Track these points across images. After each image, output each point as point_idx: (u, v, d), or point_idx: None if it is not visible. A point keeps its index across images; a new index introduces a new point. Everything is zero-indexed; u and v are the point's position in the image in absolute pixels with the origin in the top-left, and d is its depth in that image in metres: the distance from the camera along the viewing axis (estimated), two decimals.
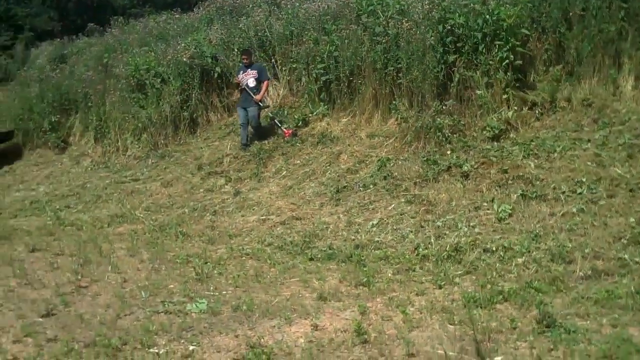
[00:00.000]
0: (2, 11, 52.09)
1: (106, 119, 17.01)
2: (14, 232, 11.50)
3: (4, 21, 52.05)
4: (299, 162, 12.32)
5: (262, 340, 6.06)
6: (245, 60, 14.07)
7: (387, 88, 12.54)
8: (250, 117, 13.57)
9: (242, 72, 13.98)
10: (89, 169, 16.50)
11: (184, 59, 15.57)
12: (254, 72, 13.84)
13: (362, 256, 8.65)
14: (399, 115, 11.84)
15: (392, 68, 12.37)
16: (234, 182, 12.47)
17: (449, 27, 11.57)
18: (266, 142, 13.42)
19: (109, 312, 7.07)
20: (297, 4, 16.16)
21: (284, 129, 13.47)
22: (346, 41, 13.31)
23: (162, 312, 7.05)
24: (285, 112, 14.17)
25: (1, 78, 29.18)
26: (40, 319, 6.82)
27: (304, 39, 14.46)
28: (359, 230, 9.50)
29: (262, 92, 13.72)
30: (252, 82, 13.73)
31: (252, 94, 13.63)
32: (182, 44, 16.25)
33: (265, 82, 13.87)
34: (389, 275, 7.95)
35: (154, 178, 14.03)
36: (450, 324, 6.19)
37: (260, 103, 13.76)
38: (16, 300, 7.43)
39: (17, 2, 54.59)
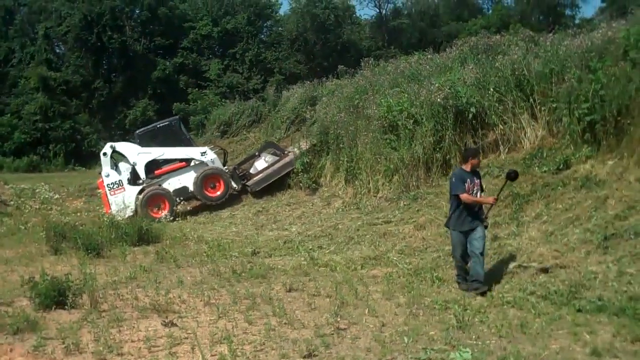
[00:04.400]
0: (253, 55, 56.02)
1: (357, 160, 17.69)
2: (270, 271, 12.33)
3: (254, 65, 55.95)
4: (560, 206, 12.02)
5: None
6: (477, 163, 10.87)
7: None
8: (478, 239, 10.31)
9: (469, 181, 10.50)
10: (340, 210, 17.26)
11: (438, 100, 15.82)
12: (479, 180, 10.78)
13: (637, 310, 8.27)
14: None
15: None
16: (490, 226, 12.41)
17: None
18: (524, 185, 13.19)
19: (370, 357, 7.41)
20: (557, 41, 15.90)
21: None
22: (613, 79, 12.84)
23: (424, 359, 7.23)
24: (544, 154, 13.87)
25: (253, 120, 31.08)
26: None
27: (566, 77, 14.09)
28: (632, 281, 9.08)
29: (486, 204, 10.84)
30: (478, 194, 10.68)
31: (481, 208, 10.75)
32: (436, 85, 16.54)
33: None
34: None
35: (406, 220, 14.37)
36: None
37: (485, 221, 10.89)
38: (277, 340, 8.03)
39: (267, 47, 58.52)
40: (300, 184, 20.29)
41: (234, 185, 22.03)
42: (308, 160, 20.15)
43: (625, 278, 9.24)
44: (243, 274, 11.94)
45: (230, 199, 21.82)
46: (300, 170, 20.30)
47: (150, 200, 20.81)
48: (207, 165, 21.93)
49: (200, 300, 10.02)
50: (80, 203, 25.24)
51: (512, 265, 10.76)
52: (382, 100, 17.71)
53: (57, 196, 23.72)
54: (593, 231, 10.73)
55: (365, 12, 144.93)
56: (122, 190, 21.05)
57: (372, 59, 25.04)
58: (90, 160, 45.65)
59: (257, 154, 23.41)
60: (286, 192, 21.03)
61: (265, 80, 51.07)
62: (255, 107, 31.54)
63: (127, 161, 21.77)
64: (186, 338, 8.13)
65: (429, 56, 20.92)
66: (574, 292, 9.15)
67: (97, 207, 21.07)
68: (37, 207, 22.05)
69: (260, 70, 55.80)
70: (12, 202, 22.92)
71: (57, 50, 61.44)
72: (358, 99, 19.91)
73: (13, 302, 9.85)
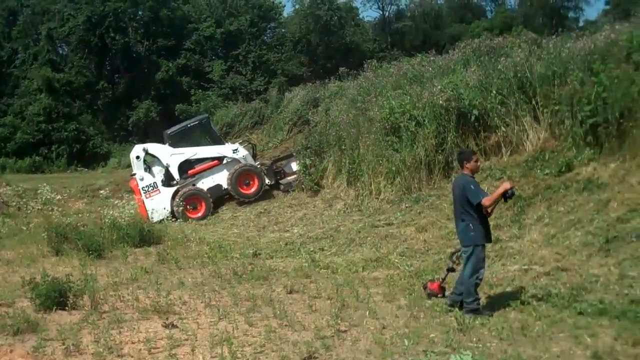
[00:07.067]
0: (256, 57, 56.14)
1: (359, 162, 17.68)
2: (271, 272, 12.32)
3: (257, 67, 56.06)
4: (562, 209, 12.01)
5: None
6: (476, 166, 9.54)
7: None
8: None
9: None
10: (342, 212, 17.26)
11: (440, 102, 15.79)
12: None
13: (639, 313, 8.24)
14: None
15: None
16: (492, 229, 12.32)
17: None
18: (526, 187, 13.17)
19: (370, 359, 7.39)
20: (560, 44, 15.85)
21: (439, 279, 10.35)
22: (615, 81, 12.80)
23: None
24: (547, 156, 13.83)
25: (255, 122, 31.14)
26: None
27: (568, 80, 14.07)
28: (633, 284, 9.06)
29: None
30: None
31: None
32: (438, 87, 16.49)
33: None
34: None
35: (408, 222, 14.36)
36: None
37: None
38: (278, 341, 8.01)
39: (270, 48, 58.65)
40: (302, 186, 20.28)
41: (267, 180, 22.04)
42: (310, 162, 20.12)
43: (626, 281, 9.24)
44: (244, 276, 11.92)
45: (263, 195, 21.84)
46: (302, 172, 20.30)
47: (186, 201, 20.87)
48: (240, 162, 22.04)
49: (201, 302, 10.00)
50: (82, 204, 25.26)
51: (513, 268, 10.74)
52: (385, 102, 17.70)
53: (59, 197, 23.65)
54: (595, 234, 10.76)
55: (369, 13, 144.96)
56: (157, 192, 21.19)
57: (375, 60, 24.98)
58: (93, 161, 45.81)
59: (294, 154, 23.10)
60: (288, 193, 21.05)
61: (268, 82, 51.19)
62: (257, 109, 31.57)
63: (160, 163, 21.83)
64: (186, 339, 8.10)
65: (431, 58, 20.83)
66: (575, 295, 9.12)
67: (99, 208, 21.04)
68: (39, 208, 21.99)
69: (263, 71, 55.92)
70: (13, 203, 22.92)
71: (60, 52, 61.59)
72: (361, 101, 19.90)
73: (14, 302, 9.84)
